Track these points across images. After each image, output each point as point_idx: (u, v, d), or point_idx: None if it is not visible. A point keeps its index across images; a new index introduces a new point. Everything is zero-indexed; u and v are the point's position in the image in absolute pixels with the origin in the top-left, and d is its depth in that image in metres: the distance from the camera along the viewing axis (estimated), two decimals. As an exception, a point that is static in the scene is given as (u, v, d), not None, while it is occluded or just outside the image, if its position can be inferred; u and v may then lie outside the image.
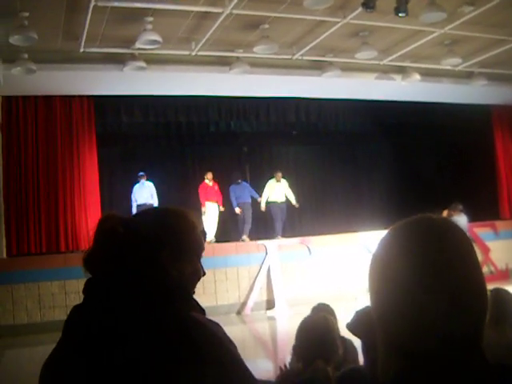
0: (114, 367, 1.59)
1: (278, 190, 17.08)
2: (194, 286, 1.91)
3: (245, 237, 16.33)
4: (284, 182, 17.23)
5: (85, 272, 1.80)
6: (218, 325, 1.77)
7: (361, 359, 4.12)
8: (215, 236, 16.25)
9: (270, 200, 17.04)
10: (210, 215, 16.42)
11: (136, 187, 16.51)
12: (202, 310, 1.83)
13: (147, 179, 16.56)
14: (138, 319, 1.64)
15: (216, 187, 16.72)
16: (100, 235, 1.82)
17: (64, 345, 1.72)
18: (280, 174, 17.21)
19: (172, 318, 1.67)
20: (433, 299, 1.21)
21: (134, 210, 16.01)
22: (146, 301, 1.68)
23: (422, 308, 1.21)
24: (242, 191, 17.04)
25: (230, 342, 1.76)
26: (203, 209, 16.34)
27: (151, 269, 1.76)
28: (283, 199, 17.11)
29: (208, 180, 16.67)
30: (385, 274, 1.30)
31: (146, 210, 2.01)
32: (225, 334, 1.77)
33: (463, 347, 1.20)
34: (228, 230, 17.47)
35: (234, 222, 17.41)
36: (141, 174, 16.53)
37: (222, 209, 16.77)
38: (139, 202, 16.22)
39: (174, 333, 1.63)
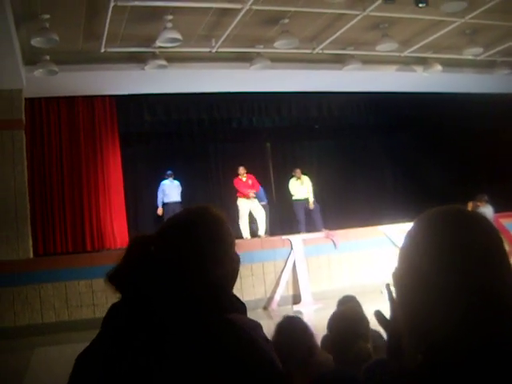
0: (149, 364, 1.60)
1: (299, 188, 16.94)
2: (237, 276, 1.93)
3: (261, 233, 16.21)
4: (305, 179, 17.02)
5: (107, 284, 1.80)
6: (257, 327, 1.76)
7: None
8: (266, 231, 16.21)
9: (293, 198, 16.95)
10: (244, 211, 16.24)
11: (165, 184, 16.53)
12: (242, 307, 1.83)
13: (174, 178, 16.61)
14: (176, 319, 1.65)
15: (250, 181, 16.38)
16: (130, 255, 1.83)
17: (101, 338, 1.74)
18: (299, 171, 16.94)
19: (209, 322, 1.66)
20: (459, 291, 1.21)
21: (160, 207, 16.34)
22: (185, 302, 1.68)
23: (448, 299, 1.21)
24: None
25: (267, 342, 1.76)
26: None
27: (191, 273, 1.76)
28: (306, 196, 16.97)
29: (241, 175, 16.39)
30: (411, 266, 1.30)
31: (171, 221, 1.96)
32: (264, 338, 1.75)
33: (493, 335, 1.20)
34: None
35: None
36: (169, 172, 16.54)
37: (252, 195, 16.31)
38: (166, 200, 16.27)
39: (210, 338, 1.62)
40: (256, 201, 16.29)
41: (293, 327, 3.86)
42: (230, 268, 1.89)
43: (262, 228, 16.09)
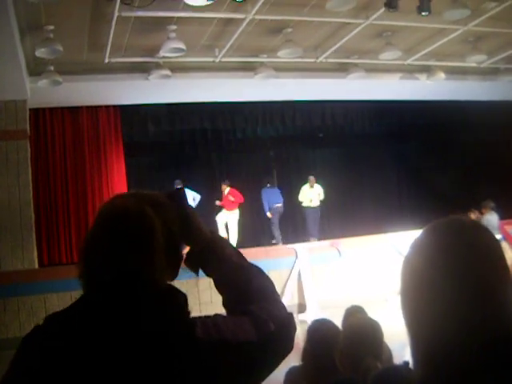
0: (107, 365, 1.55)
1: (311, 196, 17.01)
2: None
3: (275, 241, 16.29)
4: (317, 187, 17.10)
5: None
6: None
7: (395, 360, 4.13)
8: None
9: (304, 205, 17.03)
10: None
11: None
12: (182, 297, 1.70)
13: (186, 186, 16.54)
14: (134, 316, 1.59)
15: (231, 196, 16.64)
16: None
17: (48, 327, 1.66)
18: (313, 179, 17.12)
19: (174, 321, 1.61)
20: (463, 301, 1.22)
21: None
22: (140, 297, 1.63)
23: (453, 311, 1.22)
24: (272, 195, 16.98)
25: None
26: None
27: (146, 262, 1.66)
28: (317, 204, 17.06)
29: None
30: (415, 276, 1.31)
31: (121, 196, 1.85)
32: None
33: (497, 343, 1.21)
34: (258, 235, 17.49)
35: (264, 226, 17.43)
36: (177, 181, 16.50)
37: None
38: None
39: (176, 337, 1.58)
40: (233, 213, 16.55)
41: (323, 330, 3.85)
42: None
43: (234, 238, 16.21)
